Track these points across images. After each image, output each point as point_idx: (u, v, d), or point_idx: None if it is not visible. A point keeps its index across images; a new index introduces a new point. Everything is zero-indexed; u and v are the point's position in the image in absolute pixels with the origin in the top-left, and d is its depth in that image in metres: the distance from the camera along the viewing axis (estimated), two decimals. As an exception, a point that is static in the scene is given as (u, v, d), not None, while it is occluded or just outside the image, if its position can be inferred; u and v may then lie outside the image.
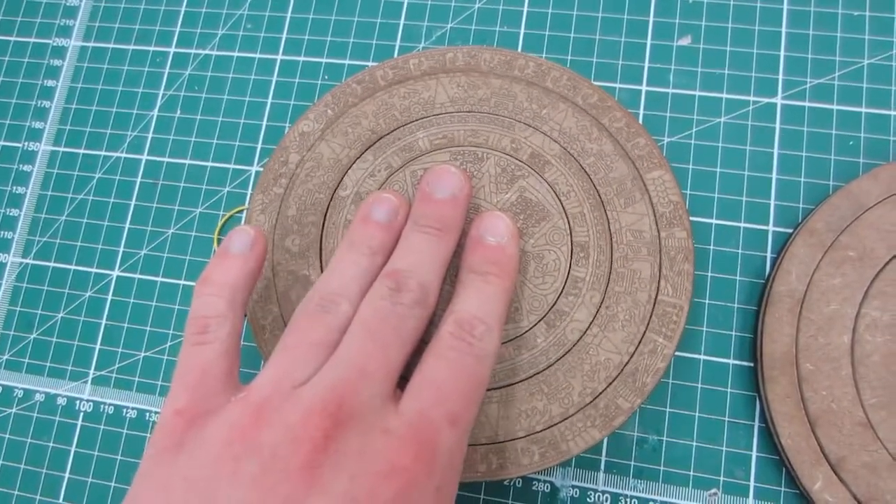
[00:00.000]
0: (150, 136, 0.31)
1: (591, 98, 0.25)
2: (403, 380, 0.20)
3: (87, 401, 0.28)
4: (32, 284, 0.30)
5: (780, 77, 0.28)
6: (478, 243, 0.22)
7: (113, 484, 0.27)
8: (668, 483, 0.25)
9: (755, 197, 0.27)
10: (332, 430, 0.17)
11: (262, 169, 0.27)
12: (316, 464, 0.16)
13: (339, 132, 0.25)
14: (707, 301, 0.27)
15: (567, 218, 0.24)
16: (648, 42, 0.29)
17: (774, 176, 0.27)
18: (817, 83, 0.28)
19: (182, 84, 0.32)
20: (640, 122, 0.28)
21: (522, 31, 0.30)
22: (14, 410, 0.29)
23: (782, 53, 0.29)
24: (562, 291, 0.23)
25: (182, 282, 0.29)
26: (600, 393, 0.22)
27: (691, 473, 0.25)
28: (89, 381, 0.29)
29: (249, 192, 0.30)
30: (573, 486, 0.26)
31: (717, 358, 0.26)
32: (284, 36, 0.31)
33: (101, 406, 0.28)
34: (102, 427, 0.28)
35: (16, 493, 0.28)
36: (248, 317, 0.24)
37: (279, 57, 0.31)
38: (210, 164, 0.30)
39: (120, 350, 0.29)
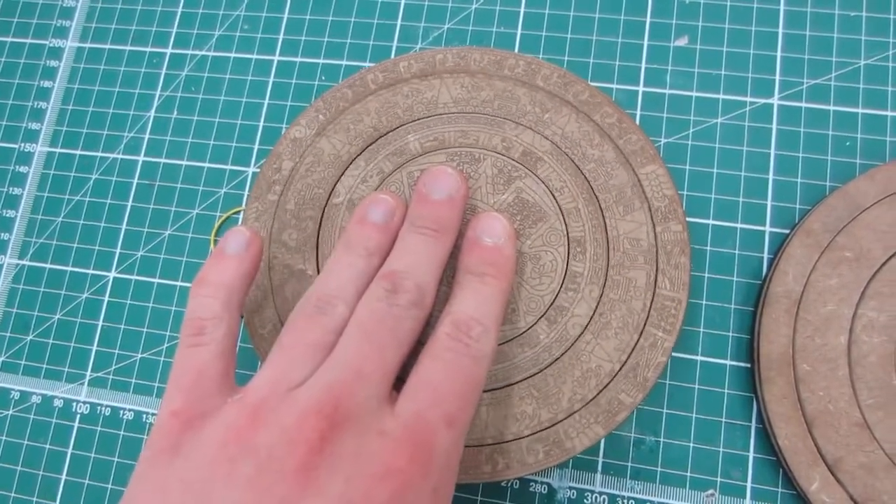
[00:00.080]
0: (146, 137, 0.31)
1: (582, 95, 0.25)
2: (400, 381, 0.20)
3: (84, 402, 0.28)
4: (29, 286, 0.30)
5: (777, 78, 0.28)
6: (474, 244, 0.22)
7: (110, 486, 0.27)
8: (665, 484, 0.25)
9: (752, 198, 0.27)
10: (327, 431, 0.17)
11: (258, 170, 0.27)
12: (312, 465, 0.16)
13: (340, 129, 0.25)
14: (704, 302, 0.27)
15: (562, 214, 0.24)
16: (645, 43, 0.29)
17: (771, 177, 0.27)
18: (814, 84, 0.28)
19: (179, 85, 0.31)
20: (637, 122, 0.28)
21: (519, 31, 0.30)
22: (11, 412, 0.29)
23: (779, 54, 0.29)
24: (561, 287, 0.23)
25: (179, 283, 0.29)
26: (590, 401, 0.22)
27: (688, 474, 0.25)
28: (86, 383, 0.29)
29: (246, 192, 0.30)
30: (570, 488, 0.26)
31: (714, 359, 0.26)
32: (281, 37, 0.31)
33: (98, 408, 0.28)
34: (99, 429, 0.28)
35: (12, 495, 0.28)
36: (244, 319, 0.24)
37: (276, 58, 0.31)
38: (207, 165, 0.30)
39: (117, 352, 0.29)
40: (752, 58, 0.29)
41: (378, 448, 0.17)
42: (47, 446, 0.28)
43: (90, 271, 0.30)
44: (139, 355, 0.29)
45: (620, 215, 0.24)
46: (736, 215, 0.27)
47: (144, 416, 0.28)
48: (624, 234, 0.23)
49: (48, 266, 0.30)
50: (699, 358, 0.26)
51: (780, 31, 0.29)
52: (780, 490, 0.25)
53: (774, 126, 0.28)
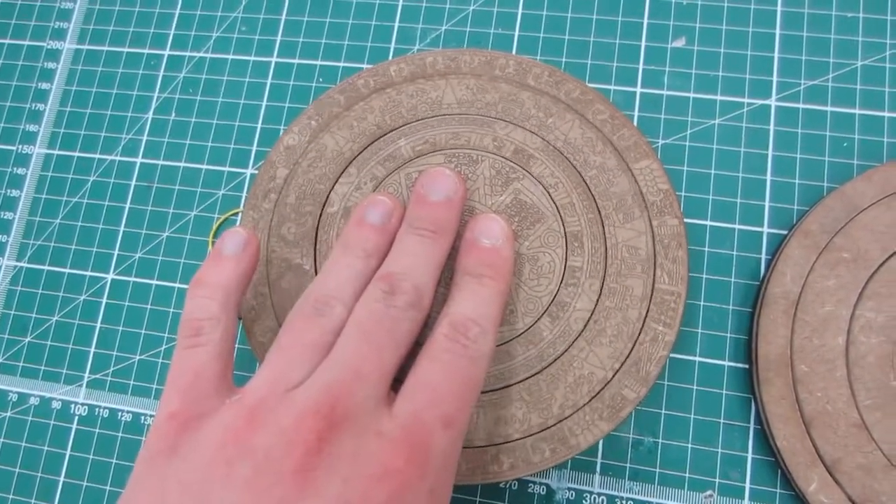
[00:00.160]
0: (144, 138, 0.31)
1: (574, 93, 0.25)
2: (398, 382, 0.20)
3: (82, 404, 0.28)
4: (27, 288, 0.30)
5: (775, 79, 0.28)
6: (472, 245, 0.22)
7: (108, 487, 0.27)
8: (663, 485, 0.25)
9: (750, 199, 0.27)
10: (325, 432, 0.17)
11: (256, 172, 0.27)
12: (309, 466, 0.16)
13: (344, 125, 0.25)
14: (702, 303, 0.27)
15: (558, 211, 0.24)
16: (643, 44, 0.29)
17: (769, 178, 0.27)
18: (811, 85, 0.28)
19: (177, 87, 0.31)
20: (635, 124, 0.28)
21: (517, 33, 0.30)
22: (9, 414, 0.29)
23: (776, 55, 0.29)
24: (560, 283, 0.23)
25: (177, 285, 0.29)
26: (581, 407, 0.22)
27: (687, 475, 0.25)
28: (84, 385, 0.29)
29: (244, 194, 0.30)
30: (569, 489, 0.26)
31: (712, 360, 0.26)
32: (279, 38, 0.31)
33: (96, 409, 0.28)
34: (97, 430, 0.28)
35: (10, 497, 0.28)
36: (241, 320, 0.24)
37: (274, 59, 0.31)
38: (205, 166, 0.30)
39: (115, 353, 0.29)
40: (749, 59, 0.29)
41: (376, 449, 0.17)
42: (45, 448, 0.28)
43: (88, 273, 0.30)
44: (137, 357, 0.29)
45: (620, 223, 0.24)
46: (734, 216, 0.27)
47: (142, 417, 0.28)
48: (623, 241, 0.23)
49: (46, 268, 0.30)
50: (697, 359, 0.26)
51: (778, 32, 0.29)
52: (778, 491, 0.25)
53: (772, 127, 0.28)
